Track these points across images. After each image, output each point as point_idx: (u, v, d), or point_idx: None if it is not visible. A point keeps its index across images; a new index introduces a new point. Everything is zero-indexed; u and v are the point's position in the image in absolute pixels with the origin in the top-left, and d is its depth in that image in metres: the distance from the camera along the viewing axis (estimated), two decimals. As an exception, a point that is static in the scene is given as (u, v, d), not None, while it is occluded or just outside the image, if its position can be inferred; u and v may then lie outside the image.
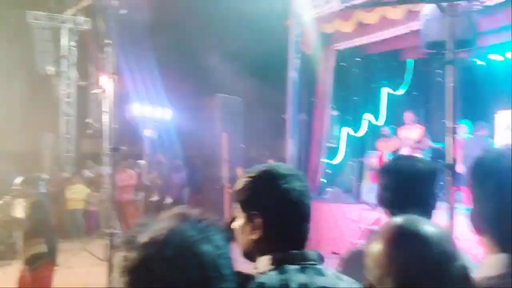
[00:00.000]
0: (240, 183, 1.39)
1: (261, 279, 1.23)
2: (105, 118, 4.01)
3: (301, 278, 1.23)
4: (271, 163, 1.50)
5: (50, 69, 14.11)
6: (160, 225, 0.73)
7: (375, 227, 7.40)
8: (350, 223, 8.98)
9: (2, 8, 13.26)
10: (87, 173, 12.68)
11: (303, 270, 1.25)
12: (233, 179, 9.51)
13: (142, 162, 12.35)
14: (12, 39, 13.69)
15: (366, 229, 8.23)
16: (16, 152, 15.52)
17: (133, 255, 0.70)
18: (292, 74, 7.53)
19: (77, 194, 11.50)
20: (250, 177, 1.37)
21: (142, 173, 11.75)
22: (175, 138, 12.91)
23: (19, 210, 5.34)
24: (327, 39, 10.20)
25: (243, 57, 11.74)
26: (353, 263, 1.73)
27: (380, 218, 6.91)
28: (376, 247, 0.97)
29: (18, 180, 5.38)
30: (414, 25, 7.23)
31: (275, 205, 1.31)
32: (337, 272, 1.36)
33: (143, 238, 0.71)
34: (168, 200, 11.68)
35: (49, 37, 13.99)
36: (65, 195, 11.57)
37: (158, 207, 11.79)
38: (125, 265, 0.70)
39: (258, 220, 1.31)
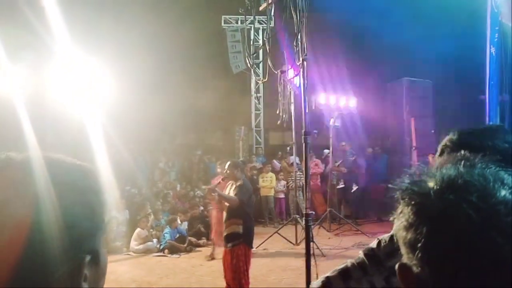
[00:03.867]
0: None
1: None
2: (293, 109, 4.17)
3: None
4: None
5: (242, 67, 15.35)
6: (447, 171, 0.67)
7: None
8: None
9: (200, 13, 14.85)
10: (276, 162, 13.42)
11: None
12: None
13: (326, 150, 12.55)
14: (208, 42, 15.28)
15: None
16: (215, 144, 17.36)
17: (429, 202, 0.65)
18: (491, 50, 6.87)
19: (269, 182, 12.26)
20: None
21: (327, 162, 11.92)
22: (360, 126, 12.75)
23: (227, 192, 5.81)
24: (534, 6, 8.83)
25: (433, 34, 10.90)
26: None
27: None
28: None
29: (227, 164, 5.83)
30: None
31: None
32: None
33: (433, 184, 0.66)
34: (354, 187, 11.62)
35: (240, 38, 15.24)
36: (258, 183, 12.44)
37: (344, 195, 11.85)
38: (421, 214, 0.65)
39: None
